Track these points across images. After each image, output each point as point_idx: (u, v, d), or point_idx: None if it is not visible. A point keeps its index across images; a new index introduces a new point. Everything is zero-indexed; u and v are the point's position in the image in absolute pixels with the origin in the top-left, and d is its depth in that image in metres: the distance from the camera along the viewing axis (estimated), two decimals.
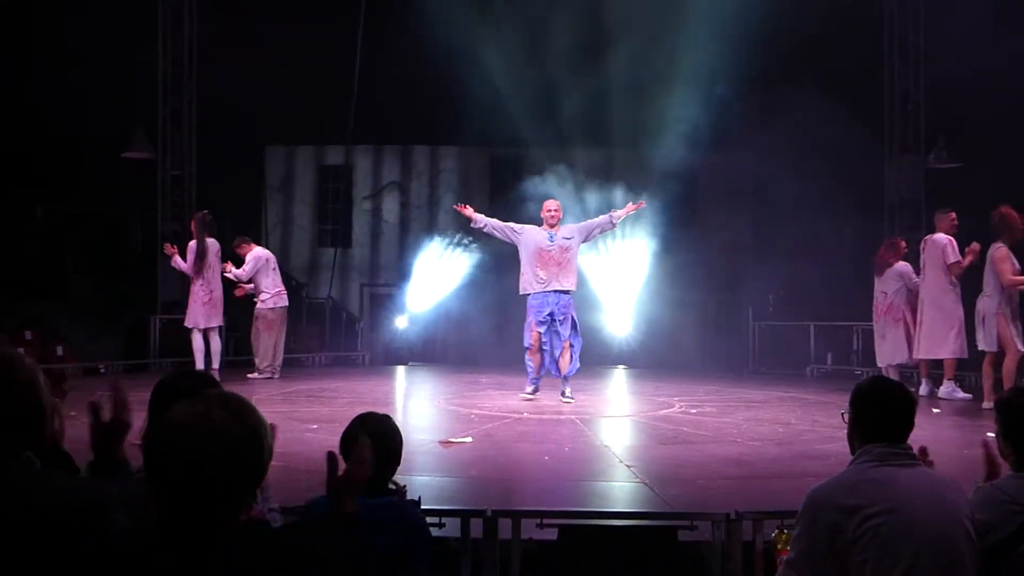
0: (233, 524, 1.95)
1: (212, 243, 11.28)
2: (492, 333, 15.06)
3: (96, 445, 2.70)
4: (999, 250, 8.93)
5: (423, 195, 19.65)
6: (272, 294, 11.69)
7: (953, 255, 9.68)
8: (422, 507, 3.66)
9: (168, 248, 11.40)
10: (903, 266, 10.51)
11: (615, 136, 16.24)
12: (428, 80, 15.26)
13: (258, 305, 11.70)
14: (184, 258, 11.22)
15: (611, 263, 16.47)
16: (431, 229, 19.12)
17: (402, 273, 19.11)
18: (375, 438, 3.15)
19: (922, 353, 10.02)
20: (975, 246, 9.48)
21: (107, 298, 13.42)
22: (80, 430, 2.84)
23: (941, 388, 9.86)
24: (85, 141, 14.23)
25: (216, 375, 10.69)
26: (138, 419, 2.72)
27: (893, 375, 10.08)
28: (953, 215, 9.92)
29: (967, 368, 10.35)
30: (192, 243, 11.07)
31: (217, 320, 11.33)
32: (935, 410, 8.88)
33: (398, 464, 3.30)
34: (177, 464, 1.93)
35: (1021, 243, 9.07)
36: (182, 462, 1.92)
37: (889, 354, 10.60)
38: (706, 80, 13.41)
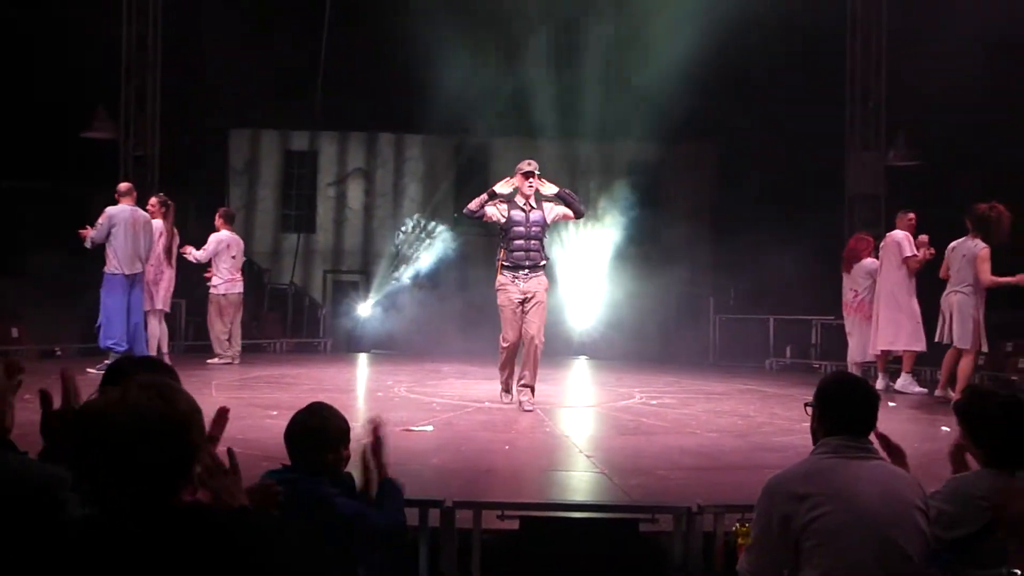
0: (169, 507, 1.93)
1: (159, 226, 11.05)
2: (456, 322, 15.04)
3: (45, 432, 2.66)
4: (984, 249, 8.94)
5: (388, 182, 19.57)
6: (224, 280, 11.62)
7: (910, 249, 9.94)
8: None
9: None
10: (872, 262, 10.57)
11: (580, 126, 16.28)
12: (394, 67, 15.18)
13: (211, 290, 11.69)
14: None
15: (574, 253, 16.52)
16: (396, 217, 19.08)
17: (366, 260, 19.06)
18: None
19: (879, 346, 10.17)
20: (924, 238, 9.75)
21: (66, 278, 13.20)
22: (33, 414, 2.80)
23: (899, 380, 10.00)
24: (46, 118, 13.98)
25: (166, 359, 10.59)
26: None
27: (856, 372, 10.21)
28: (912, 216, 10.21)
29: (924, 363, 10.50)
30: (160, 223, 10.82)
31: (168, 305, 11.16)
32: (891, 404, 9.00)
33: (324, 462, 3.31)
34: (96, 450, 1.90)
35: (1000, 243, 9.11)
36: (100, 447, 1.90)
37: (858, 352, 10.70)
38: (670, 73, 13.45)
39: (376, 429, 3.45)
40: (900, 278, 9.97)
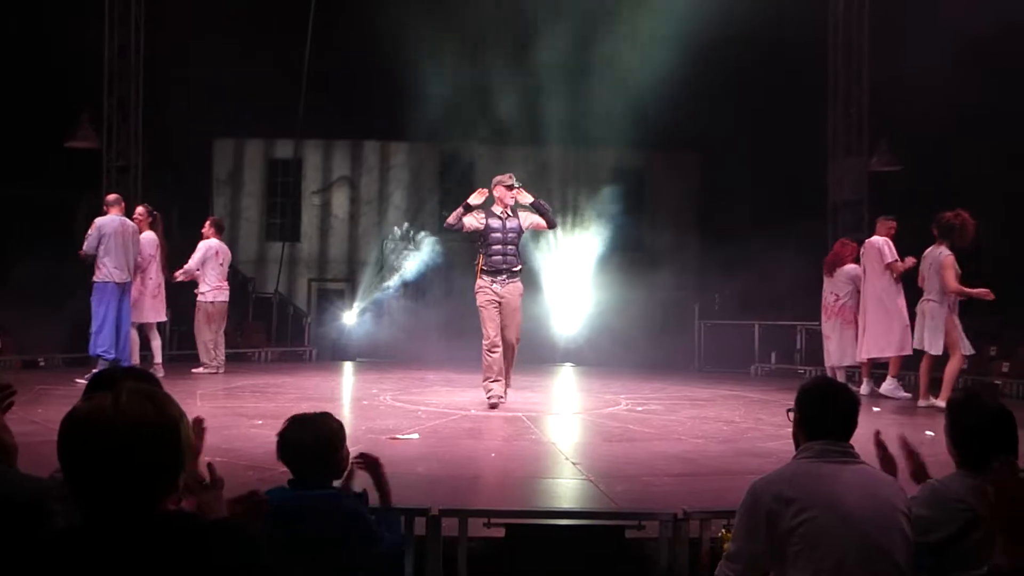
0: (156, 515, 1.92)
1: (155, 237, 11.08)
2: (441, 330, 15.02)
3: None
4: (947, 257, 9.05)
5: (373, 190, 19.55)
6: (212, 287, 11.64)
7: (891, 254, 9.97)
8: (369, 505, 3.65)
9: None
10: (854, 268, 10.63)
11: (564, 133, 16.30)
12: (379, 75, 15.17)
13: (198, 297, 11.70)
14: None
15: (558, 260, 16.55)
16: (380, 224, 19.06)
17: (351, 268, 19.03)
18: (311, 441, 3.22)
19: (866, 353, 10.20)
20: (911, 260, 9.72)
21: (49, 287, 13.14)
22: (26, 425, 2.80)
23: (884, 384, 10.01)
24: (29, 127, 13.90)
25: (160, 370, 10.54)
26: None
27: (840, 376, 10.25)
28: (893, 223, 10.25)
29: (908, 368, 10.54)
30: (150, 235, 10.88)
31: (161, 315, 11.20)
32: (875, 408, 9.05)
33: (337, 463, 3.33)
34: (85, 455, 1.89)
35: (963, 249, 9.22)
36: (92, 449, 1.88)
37: (837, 356, 10.74)
38: (655, 80, 13.49)
39: (369, 462, 3.49)
40: (886, 283, 10.00)
